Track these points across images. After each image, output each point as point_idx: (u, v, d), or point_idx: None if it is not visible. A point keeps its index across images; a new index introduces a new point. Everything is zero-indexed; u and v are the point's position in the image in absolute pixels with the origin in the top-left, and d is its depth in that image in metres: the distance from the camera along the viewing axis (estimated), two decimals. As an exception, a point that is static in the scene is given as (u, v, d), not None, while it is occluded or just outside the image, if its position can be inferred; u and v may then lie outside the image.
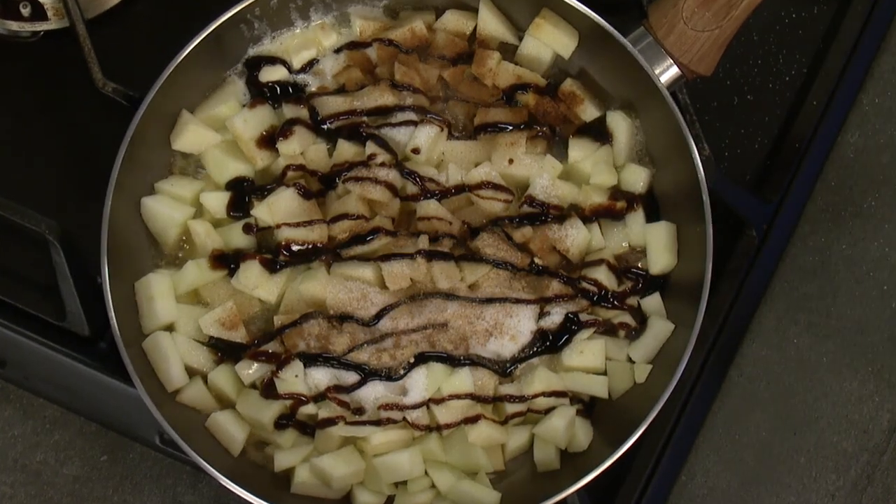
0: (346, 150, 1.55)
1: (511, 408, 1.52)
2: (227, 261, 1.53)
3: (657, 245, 1.55)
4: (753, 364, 1.67)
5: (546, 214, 1.55)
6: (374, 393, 1.51)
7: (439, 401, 1.50)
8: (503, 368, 1.53)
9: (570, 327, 1.53)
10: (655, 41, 1.52)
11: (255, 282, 1.51)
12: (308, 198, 1.53)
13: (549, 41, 1.58)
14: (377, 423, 1.49)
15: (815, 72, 1.71)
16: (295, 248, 1.51)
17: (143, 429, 1.54)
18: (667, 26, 1.51)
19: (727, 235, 1.61)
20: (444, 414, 1.50)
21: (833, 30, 1.72)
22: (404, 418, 1.50)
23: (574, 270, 1.55)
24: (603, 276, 1.53)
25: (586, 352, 1.53)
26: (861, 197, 1.72)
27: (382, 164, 1.53)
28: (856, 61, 1.68)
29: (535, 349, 1.54)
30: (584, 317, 1.53)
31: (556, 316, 1.53)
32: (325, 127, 1.56)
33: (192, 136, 1.54)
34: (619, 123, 1.57)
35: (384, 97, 1.56)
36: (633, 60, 1.51)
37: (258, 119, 1.55)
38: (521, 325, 1.53)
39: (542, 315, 1.54)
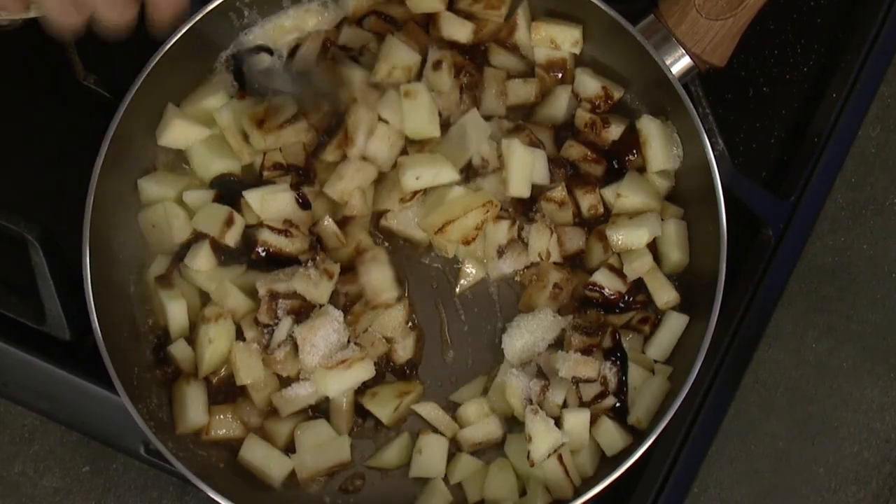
0: None
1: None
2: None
3: (667, 243, 1.51)
4: (769, 369, 1.66)
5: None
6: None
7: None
8: None
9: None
10: (666, 31, 1.49)
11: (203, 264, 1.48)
12: (304, 208, 1.50)
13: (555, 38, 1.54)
14: None
15: (835, 62, 1.68)
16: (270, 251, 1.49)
17: (127, 438, 1.50)
18: (678, 15, 1.49)
19: (742, 234, 1.59)
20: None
21: (853, 18, 1.69)
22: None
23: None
24: (605, 279, 1.49)
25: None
26: (882, 194, 1.71)
27: None
28: (877, 51, 1.64)
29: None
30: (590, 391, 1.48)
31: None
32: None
33: (177, 130, 1.50)
34: (650, 128, 1.52)
35: None
36: (643, 51, 1.47)
37: (247, 111, 1.50)
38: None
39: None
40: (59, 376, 1.51)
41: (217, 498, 1.39)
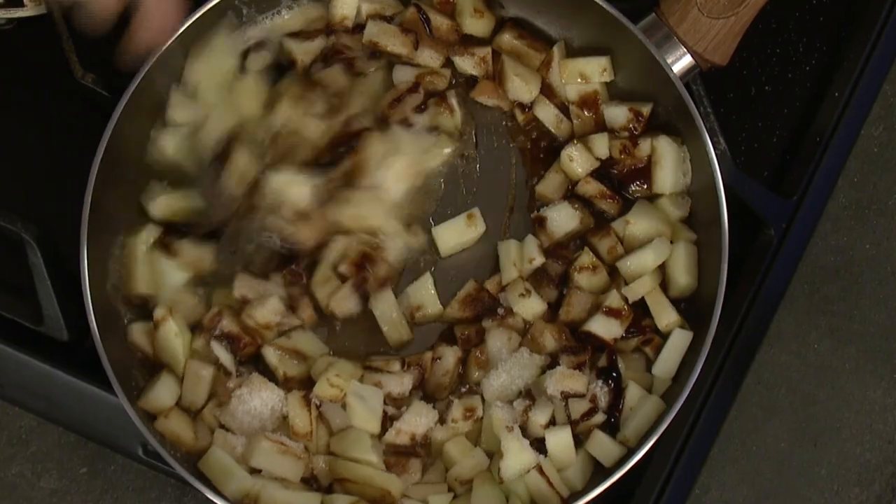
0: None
1: None
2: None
3: (676, 266, 1.48)
4: (771, 371, 1.65)
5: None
6: None
7: None
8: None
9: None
10: (668, 29, 1.48)
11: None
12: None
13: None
14: None
15: (837, 61, 1.67)
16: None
17: (125, 439, 1.49)
18: (680, 13, 1.48)
19: (744, 234, 1.58)
20: None
21: (855, 16, 1.68)
22: None
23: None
24: (600, 326, 1.46)
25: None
26: (885, 194, 1.70)
27: None
28: (880, 50, 1.63)
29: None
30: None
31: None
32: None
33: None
34: (665, 148, 1.50)
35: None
36: (644, 50, 1.46)
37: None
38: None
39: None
40: (57, 377, 1.50)
41: (215, 499, 1.38)
